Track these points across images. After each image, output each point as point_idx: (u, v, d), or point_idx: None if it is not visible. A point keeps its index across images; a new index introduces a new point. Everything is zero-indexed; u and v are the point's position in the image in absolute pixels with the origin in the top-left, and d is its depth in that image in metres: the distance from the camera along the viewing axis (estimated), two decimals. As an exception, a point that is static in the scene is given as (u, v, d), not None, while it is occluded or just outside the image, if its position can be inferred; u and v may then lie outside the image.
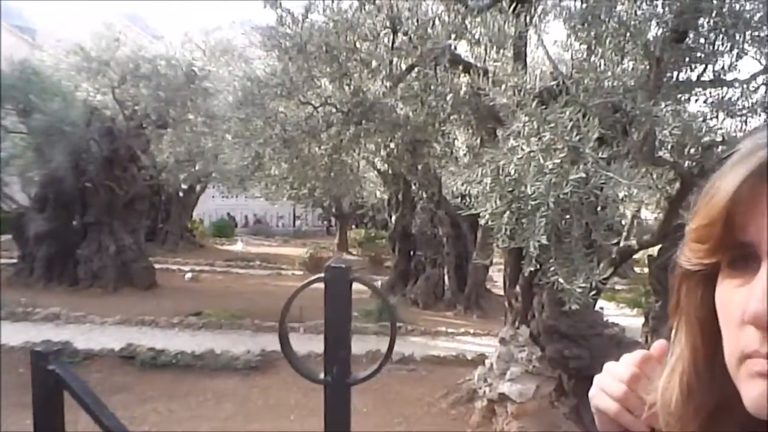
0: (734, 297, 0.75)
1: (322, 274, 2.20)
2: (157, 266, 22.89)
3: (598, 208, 6.14)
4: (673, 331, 0.88)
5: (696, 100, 8.43)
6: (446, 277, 20.25)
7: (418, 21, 7.38)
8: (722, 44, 7.97)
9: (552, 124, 5.43)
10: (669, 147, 8.37)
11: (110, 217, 20.64)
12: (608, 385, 1.01)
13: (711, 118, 8.10)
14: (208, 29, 21.76)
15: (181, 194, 32.48)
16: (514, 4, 7.32)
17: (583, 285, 5.72)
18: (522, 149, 5.44)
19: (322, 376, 2.24)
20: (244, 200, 33.58)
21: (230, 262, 29.21)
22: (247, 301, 19.05)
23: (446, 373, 12.54)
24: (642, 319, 14.35)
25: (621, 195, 5.89)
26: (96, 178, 20.03)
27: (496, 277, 20.93)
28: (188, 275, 24.08)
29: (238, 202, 44.96)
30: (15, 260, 21.26)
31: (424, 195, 18.84)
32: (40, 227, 20.13)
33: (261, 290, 21.52)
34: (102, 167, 19.96)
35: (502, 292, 13.11)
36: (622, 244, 8.98)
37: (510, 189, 5.54)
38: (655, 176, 8.16)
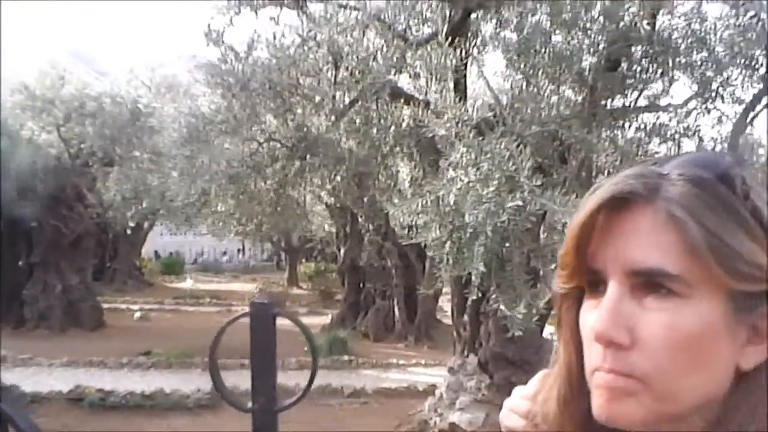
0: (588, 318, 0.84)
1: (247, 310, 2.26)
2: (105, 305, 22.54)
3: (538, 235, 6.28)
4: (556, 348, 0.96)
5: (630, 126, 8.68)
6: (396, 309, 20.28)
7: (358, 56, 7.49)
8: (654, 71, 8.25)
9: (489, 155, 5.56)
10: (606, 173, 8.59)
11: (57, 257, 20.30)
12: (515, 405, 1.08)
13: (647, 143, 8.36)
14: (153, 65, 21.67)
15: (128, 232, 32.04)
16: (451, 38, 7.48)
17: (525, 311, 5.82)
18: (461, 179, 5.56)
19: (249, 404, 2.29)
20: (192, 237, 33.24)
21: (180, 299, 28.86)
22: (197, 338, 18.72)
23: (398, 405, 12.53)
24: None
25: (561, 222, 6.02)
26: (42, 218, 19.72)
27: (446, 307, 21.03)
28: (137, 314, 23.72)
29: (186, 239, 44.50)
30: (-42, 302, 20.73)
31: (371, 227, 18.91)
32: (-17, 268, 19.72)
33: (211, 327, 20.84)
34: (47, 206, 19.65)
35: (451, 322, 13.20)
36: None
37: (450, 219, 5.65)
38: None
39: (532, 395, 1.04)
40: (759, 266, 0.76)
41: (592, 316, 0.82)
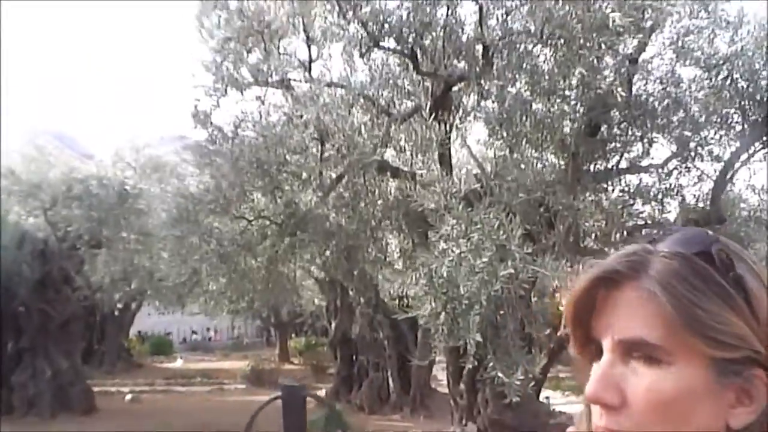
0: None
1: (279, 393, 2.31)
2: (95, 389, 22.17)
3: (533, 301, 6.33)
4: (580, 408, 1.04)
5: (614, 188, 8.82)
6: (390, 380, 20.11)
7: (344, 133, 7.62)
8: (633, 134, 8.44)
9: (479, 225, 5.65)
10: (593, 236, 8.70)
11: (45, 341, 20.06)
12: None
13: (630, 204, 8.49)
14: (138, 146, 21.75)
15: (116, 313, 31.77)
16: (434, 111, 7.64)
17: (522, 377, 5.84)
18: (452, 251, 5.63)
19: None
20: (180, 316, 33.01)
21: (170, 380, 28.51)
22: (190, 419, 18.55)
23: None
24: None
25: (553, 286, 6.08)
26: (29, 302, 19.57)
27: (441, 375, 20.87)
28: (128, 396, 23.37)
29: (174, 318, 44.12)
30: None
31: (362, 300, 18.88)
32: (-29, 355, 19.47)
33: (204, 407, 20.99)
34: (35, 290, 19.53)
35: (447, 391, 13.11)
36: (559, 332, 9.16)
37: (444, 290, 5.69)
38: (582, 266, 8.45)
39: None
40: (737, 335, 0.84)
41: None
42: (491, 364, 6.03)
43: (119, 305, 29.15)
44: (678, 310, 0.84)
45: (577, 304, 0.92)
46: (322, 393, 21.98)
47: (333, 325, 22.01)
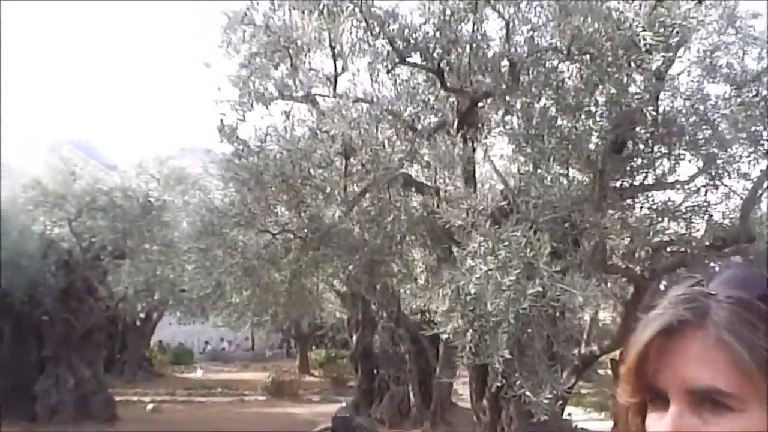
0: (652, 427, 0.92)
1: (330, 424, 2.31)
2: (116, 398, 22.29)
3: (557, 319, 6.29)
4: None
5: (640, 206, 8.75)
6: (411, 394, 20.05)
7: (369, 148, 7.62)
8: (660, 150, 8.36)
9: (506, 243, 5.63)
10: (620, 253, 8.64)
11: (67, 350, 20.20)
12: None
13: (657, 222, 8.42)
14: (162, 158, 21.86)
15: (137, 323, 31.97)
16: (459, 127, 7.63)
17: (550, 396, 5.81)
18: (480, 268, 5.61)
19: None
20: (200, 326, 33.08)
21: (191, 390, 28.57)
22: (212, 429, 18.60)
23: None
24: (611, 422, 14.29)
25: (577, 303, 6.03)
26: (52, 311, 19.73)
27: (462, 390, 20.78)
28: (149, 406, 23.47)
29: (194, 329, 44.25)
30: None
31: (384, 314, 18.86)
32: (-5, 362, 19.62)
33: (225, 418, 21.03)
34: (58, 300, 19.71)
35: (468, 405, 13.02)
36: (583, 350, 9.10)
37: (471, 308, 5.68)
38: (609, 284, 8.40)
39: None
40: None
41: (657, 426, 0.90)
42: (518, 382, 5.99)
43: (141, 315, 29.37)
44: (752, 356, 0.84)
45: (641, 355, 0.91)
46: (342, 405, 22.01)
47: (354, 338, 21.98)
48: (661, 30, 6.57)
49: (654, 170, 8.61)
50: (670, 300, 0.93)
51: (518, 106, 7.93)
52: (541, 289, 5.37)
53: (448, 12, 7.72)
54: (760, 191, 8.15)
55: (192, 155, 21.19)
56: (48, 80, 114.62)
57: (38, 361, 20.20)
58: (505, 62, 7.91)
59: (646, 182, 8.60)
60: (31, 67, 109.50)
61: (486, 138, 8.84)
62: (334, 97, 8.38)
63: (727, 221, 8.53)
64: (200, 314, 16.24)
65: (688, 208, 8.49)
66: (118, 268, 20.25)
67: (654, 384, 0.91)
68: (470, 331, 5.73)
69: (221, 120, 8.62)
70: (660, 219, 8.47)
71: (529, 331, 5.87)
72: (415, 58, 8.13)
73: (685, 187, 8.56)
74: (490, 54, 8.07)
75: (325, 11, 7.75)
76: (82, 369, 20.52)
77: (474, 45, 7.90)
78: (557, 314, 6.42)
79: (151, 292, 20.59)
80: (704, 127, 8.00)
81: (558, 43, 7.46)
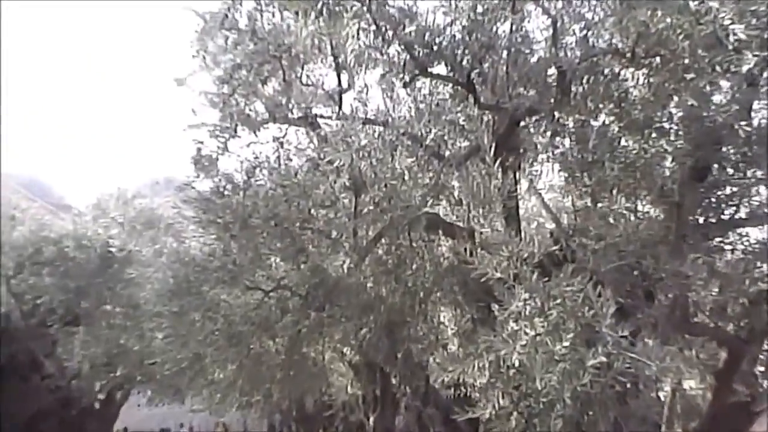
0: None
1: None
2: (71, 503, 22.20)
3: (627, 396, 6.23)
4: None
5: (733, 248, 8.64)
6: (445, 490, 19.87)
7: (384, 182, 7.59)
8: (754, 175, 8.27)
9: (558, 300, 5.60)
10: (707, 309, 8.56)
11: (7, 444, 20.22)
12: None
13: (754, 267, 8.31)
14: (126, 197, 21.90)
15: (97, 406, 31.91)
16: (496, 153, 7.60)
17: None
18: (525, 333, 5.58)
19: None
20: (179, 408, 32.89)
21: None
22: None
23: None
24: None
25: (652, 376, 5.98)
26: (-13, 395, 19.77)
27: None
28: None
29: (171, 411, 44.15)
30: None
31: (408, 389, 18.74)
32: None
33: None
34: (-5, 380, 19.75)
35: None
36: (663, 432, 9.02)
37: (515, 383, 5.64)
38: (693, 349, 8.32)
39: None
40: None
41: None
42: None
43: (101, 396, 29.29)
44: None
45: None
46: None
47: (371, 419, 21.84)
48: (754, 22, 6.49)
49: (748, 201, 8.55)
50: None
51: (570, 124, 7.94)
52: (604, 359, 5.33)
53: (479, 10, 7.75)
54: None
55: (165, 192, 21.27)
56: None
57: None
58: (552, 70, 7.93)
59: (737, 216, 8.53)
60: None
61: (531, 166, 8.84)
62: (339, 118, 8.43)
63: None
64: (174, 395, 16.18)
65: (795, 249, 8.43)
66: (71, 337, 20.23)
67: None
68: (515, 413, 5.70)
69: (198, 149, 8.67)
70: (758, 263, 8.39)
71: (591, 413, 5.82)
72: (440, 68, 8.18)
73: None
74: (533, 60, 8.10)
75: (324, 11, 7.77)
76: (28, 467, 20.51)
77: (513, 50, 7.94)
78: (627, 390, 6.35)
79: (113, 366, 20.52)
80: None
81: (619, 45, 7.47)
